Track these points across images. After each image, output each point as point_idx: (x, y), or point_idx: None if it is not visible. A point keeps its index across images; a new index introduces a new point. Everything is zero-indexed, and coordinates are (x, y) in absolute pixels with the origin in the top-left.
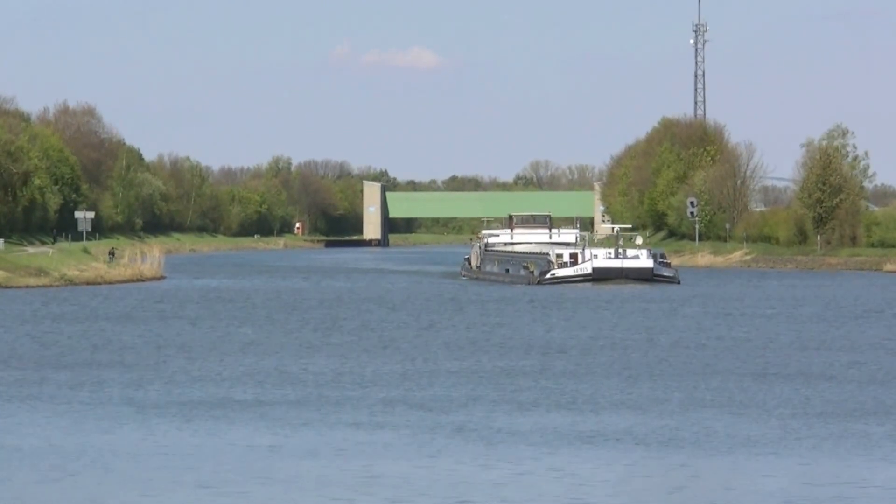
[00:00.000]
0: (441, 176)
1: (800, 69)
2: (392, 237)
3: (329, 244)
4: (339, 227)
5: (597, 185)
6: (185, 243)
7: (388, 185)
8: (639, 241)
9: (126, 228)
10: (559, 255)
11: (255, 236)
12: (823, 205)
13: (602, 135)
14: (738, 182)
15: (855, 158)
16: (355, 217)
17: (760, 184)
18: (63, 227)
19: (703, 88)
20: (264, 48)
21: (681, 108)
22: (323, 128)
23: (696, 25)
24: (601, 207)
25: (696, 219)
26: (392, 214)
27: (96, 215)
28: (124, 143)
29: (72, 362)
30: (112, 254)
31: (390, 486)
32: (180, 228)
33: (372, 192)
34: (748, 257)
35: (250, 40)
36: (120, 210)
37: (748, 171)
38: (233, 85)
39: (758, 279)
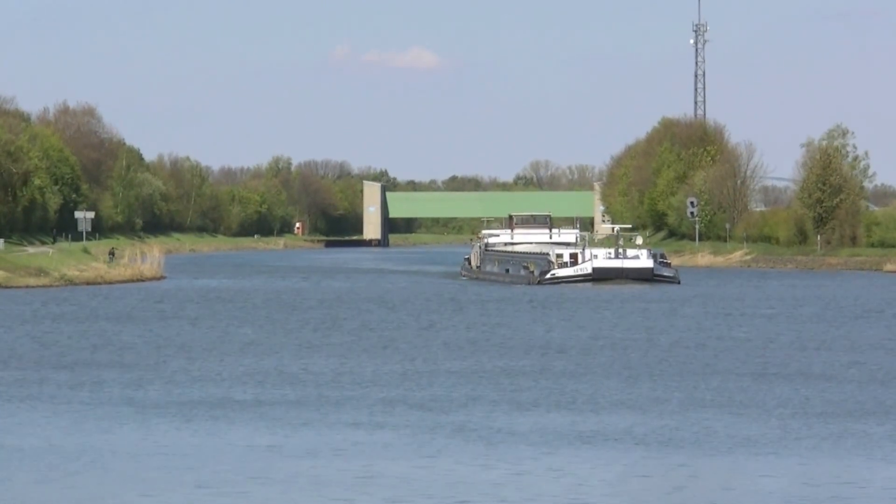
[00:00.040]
0: (441, 176)
1: (800, 69)
2: (392, 237)
3: (329, 244)
4: (339, 227)
5: (597, 185)
6: (185, 243)
7: (388, 185)
8: (639, 241)
9: (126, 228)
10: (559, 256)
11: (255, 236)
12: (823, 205)
13: (602, 135)
14: (738, 182)
15: (855, 158)
16: (355, 217)
17: (760, 184)
18: (63, 227)
19: (703, 88)
20: (264, 48)
21: (681, 108)
22: (323, 128)
23: (696, 25)
24: (601, 207)
25: (696, 219)
26: (392, 214)
27: (96, 215)
28: (124, 143)
29: (72, 362)
30: (112, 254)
31: (390, 486)
32: (180, 228)
33: (372, 192)
34: (748, 257)
35: (250, 40)
36: (120, 210)
37: (748, 171)
38: (233, 85)
39: (758, 279)
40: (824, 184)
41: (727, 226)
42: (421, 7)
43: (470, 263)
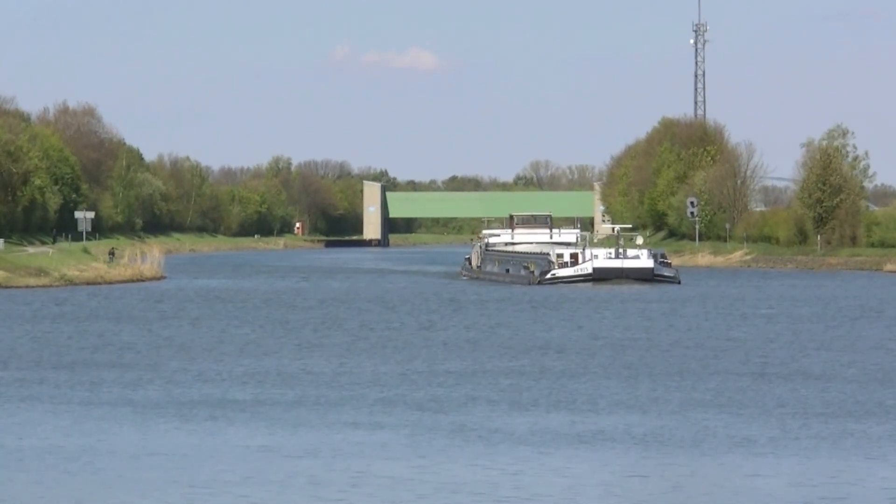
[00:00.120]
0: (441, 176)
1: (800, 69)
2: (392, 237)
3: (329, 244)
4: (339, 227)
5: (597, 185)
6: (185, 243)
7: (388, 185)
8: (639, 241)
9: (126, 228)
10: (559, 255)
11: (255, 236)
12: (823, 205)
13: (602, 135)
14: (738, 182)
15: (855, 158)
16: (355, 217)
17: (760, 184)
18: (63, 227)
19: (703, 88)
20: (264, 48)
21: (681, 108)
22: (323, 128)
23: (696, 25)
24: (601, 207)
25: (696, 219)
26: (392, 214)
27: (96, 215)
28: (124, 143)
29: (71, 362)
30: (112, 254)
31: (389, 486)
32: (180, 228)
33: (372, 192)
34: (748, 257)
35: (250, 40)
36: (120, 210)
37: (748, 171)
38: (233, 85)
39: (758, 279)
40: (824, 184)
41: (727, 226)
42: (420, 8)
43: (470, 263)
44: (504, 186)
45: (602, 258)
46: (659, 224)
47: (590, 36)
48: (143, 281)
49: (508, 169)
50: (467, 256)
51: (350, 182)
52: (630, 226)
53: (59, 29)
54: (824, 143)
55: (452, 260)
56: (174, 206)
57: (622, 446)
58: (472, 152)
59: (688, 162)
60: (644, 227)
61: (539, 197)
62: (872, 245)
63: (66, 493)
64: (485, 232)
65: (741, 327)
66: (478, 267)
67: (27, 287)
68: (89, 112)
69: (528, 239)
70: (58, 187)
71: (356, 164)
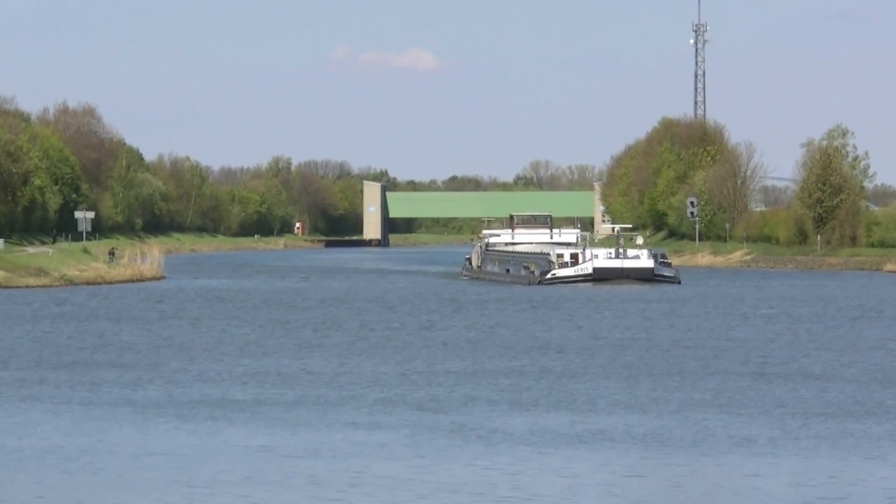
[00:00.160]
0: (441, 176)
1: (800, 69)
2: (392, 237)
3: (329, 244)
4: (339, 227)
5: (597, 185)
6: (185, 243)
7: (388, 185)
8: (639, 241)
9: (126, 228)
10: (560, 255)
11: (255, 236)
12: (823, 205)
13: (602, 135)
14: (738, 182)
15: (855, 158)
16: (355, 217)
17: (760, 184)
18: (63, 227)
19: (703, 88)
20: (264, 48)
21: (681, 108)
22: (323, 128)
23: (696, 25)
24: (601, 207)
25: (696, 219)
26: (392, 214)
27: (96, 215)
28: (124, 143)
29: (71, 362)
30: (112, 254)
31: (388, 486)
32: (180, 228)
33: (372, 192)
34: (748, 257)
35: (250, 41)
36: (120, 210)
37: (748, 171)
38: (233, 85)
39: (758, 279)
40: (824, 184)
41: (727, 226)
42: (420, 8)
43: (471, 263)
44: (504, 186)
45: (602, 258)
46: (659, 224)
47: (590, 36)
48: (143, 281)
49: (508, 169)
50: (467, 256)
51: (350, 182)
52: (630, 226)
53: (59, 29)
54: (824, 143)
55: (452, 260)
56: (174, 206)
57: (622, 446)
58: (472, 152)
59: (688, 162)
60: (644, 227)
61: (539, 197)
62: (872, 245)
63: (66, 493)
64: (485, 232)
65: (741, 327)
66: (478, 267)
67: (27, 287)
68: (89, 112)
69: (528, 239)
70: (58, 187)
71: (356, 164)
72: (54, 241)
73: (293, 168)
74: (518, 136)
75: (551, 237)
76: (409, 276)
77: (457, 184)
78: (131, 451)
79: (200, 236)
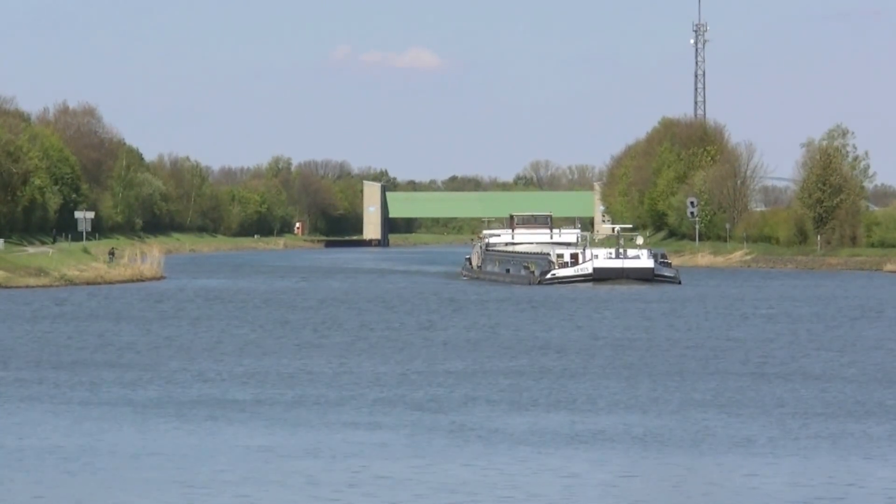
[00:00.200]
0: (441, 176)
1: (800, 69)
2: (392, 237)
3: (329, 244)
4: (339, 227)
5: (597, 185)
6: (185, 243)
7: (388, 185)
8: (640, 241)
9: (126, 228)
10: (560, 256)
11: (255, 236)
12: (823, 205)
13: (602, 135)
14: (738, 182)
15: (855, 158)
16: (355, 217)
17: (760, 184)
18: (63, 227)
19: (703, 88)
20: (264, 48)
21: (681, 108)
22: (323, 128)
23: (696, 25)
24: (601, 207)
25: (696, 219)
26: (392, 214)
27: (96, 215)
28: (124, 143)
29: (71, 362)
30: (112, 254)
31: (388, 486)
32: (180, 228)
33: (372, 192)
34: (748, 257)
35: (250, 40)
36: (120, 210)
37: (748, 171)
38: (233, 85)
39: (758, 279)
40: (824, 184)
41: (727, 226)
42: (421, 7)
43: (471, 263)
44: (504, 186)
45: (602, 258)
46: (659, 224)
47: (590, 36)
48: (142, 281)
49: (508, 169)
50: (468, 256)
51: (350, 182)
52: (630, 226)
53: (59, 29)
54: (824, 143)
55: (452, 260)
56: (174, 206)
57: (622, 446)
58: (472, 152)
59: (688, 162)
60: (644, 227)
61: (539, 197)
62: (872, 245)
63: (65, 493)
64: (485, 232)
65: (741, 327)
66: (478, 267)
67: (27, 287)
68: (89, 112)
69: (528, 239)
70: (58, 187)
71: (356, 164)
72: (54, 241)
73: (293, 168)
74: (518, 136)
75: (551, 237)
76: (409, 276)
77: (457, 184)
78: (131, 451)
79: (200, 236)
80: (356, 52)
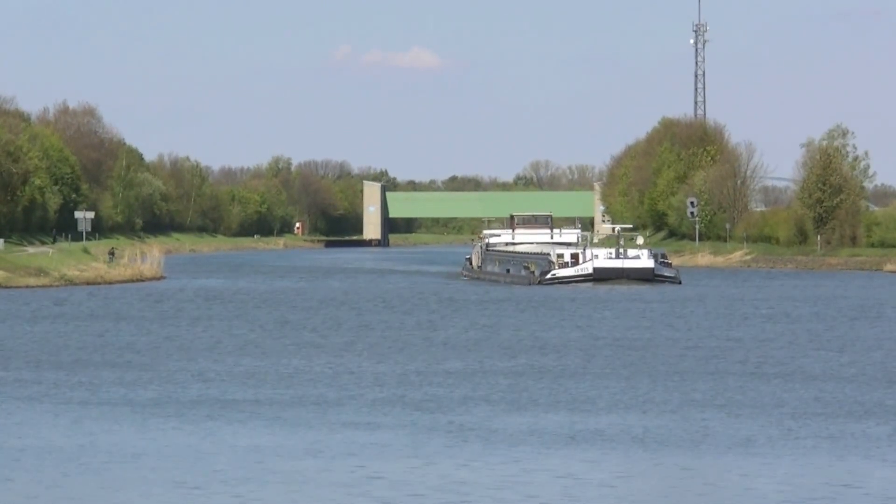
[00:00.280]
0: (441, 176)
1: (800, 69)
2: (392, 237)
3: (329, 244)
4: (339, 227)
5: (597, 185)
6: (185, 243)
7: (388, 185)
8: (640, 241)
9: (126, 228)
10: (560, 256)
11: (255, 236)
12: (823, 205)
13: (602, 135)
14: (738, 182)
15: (855, 158)
16: (355, 217)
17: (760, 184)
18: (63, 227)
19: (703, 88)
20: (264, 48)
21: (681, 108)
22: (323, 128)
23: (696, 25)
24: (601, 207)
25: (697, 219)
26: (392, 214)
27: (96, 215)
28: (124, 143)
29: (71, 362)
30: (112, 254)
31: (387, 486)
32: (180, 228)
33: (372, 192)
34: (748, 257)
35: (250, 40)
36: (120, 210)
37: (748, 171)
38: (233, 85)
39: (758, 279)
40: (824, 184)
41: (727, 226)
42: (421, 7)
43: (471, 263)
44: (504, 186)
45: (602, 258)
46: (659, 224)
47: (590, 36)
48: (142, 281)
49: (508, 169)
50: (468, 256)
51: (350, 182)
52: (630, 226)
53: (59, 29)
54: (824, 143)
55: (452, 260)
56: (174, 206)
57: (621, 446)
58: (472, 152)
59: (688, 162)
60: (644, 227)
61: (539, 197)
62: (872, 245)
63: (65, 493)
64: (485, 232)
65: (741, 327)
66: (478, 267)
67: (27, 287)
68: (89, 112)
69: (528, 239)
70: (58, 187)
71: (356, 164)
72: (54, 241)
73: (293, 168)
74: (518, 136)
75: (552, 237)
76: (409, 276)
77: (457, 184)
78: (131, 451)
79: (200, 236)
80: (357, 51)
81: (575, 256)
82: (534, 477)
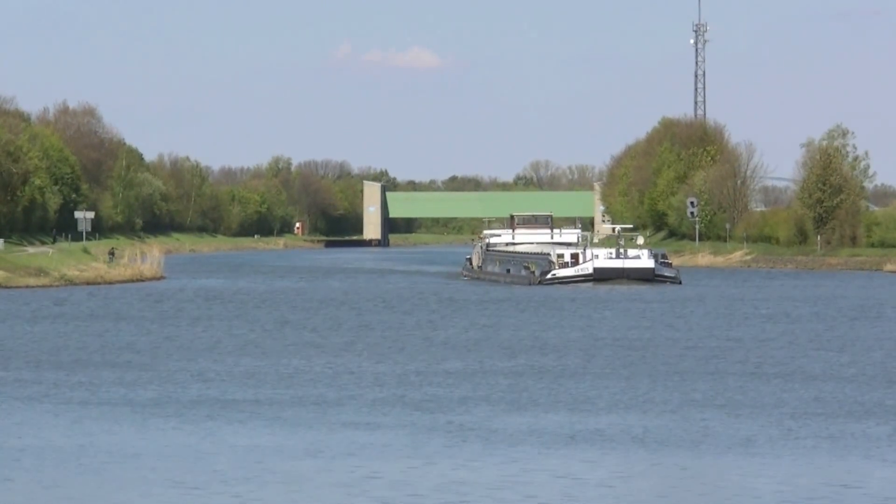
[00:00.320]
0: (441, 176)
1: (800, 69)
2: (392, 237)
3: (329, 244)
4: (339, 227)
5: (597, 185)
6: (185, 243)
7: (388, 185)
8: (640, 241)
9: (126, 228)
10: (560, 256)
11: (255, 236)
12: (823, 205)
13: (602, 135)
14: (738, 182)
15: (855, 158)
16: (355, 217)
17: (760, 184)
18: (63, 227)
19: (703, 88)
20: (264, 48)
21: (681, 108)
22: (323, 128)
23: (696, 25)
24: (601, 207)
25: (697, 219)
26: (392, 214)
27: (96, 215)
28: (124, 143)
29: (70, 362)
30: (112, 254)
31: (387, 486)
32: (180, 228)
33: (372, 192)
34: (748, 257)
35: (250, 40)
36: (120, 210)
37: (748, 171)
38: (233, 85)
39: (758, 279)
40: (824, 184)
41: (727, 226)
42: (421, 7)
43: (471, 263)
44: (504, 186)
45: (603, 258)
46: (659, 224)
47: (590, 36)
48: (142, 281)
49: (508, 169)
50: (468, 256)
51: (350, 182)
52: (630, 226)
53: (59, 29)
54: (824, 143)
55: (453, 260)
56: (174, 206)
57: (621, 446)
58: (472, 152)
59: (688, 162)
60: (644, 227)
61: (539, 197)
62: (872, 245)
63: (65, 493)
64: (486, 232)
65: (741, 327)
66: (479, 267)
67: (27, 287)
68: (89, 112)
69: (528, 239)
70: (58, 187)
71: (356, 164)
72: (54, 241)
73: (293, 168)
74: (518, 136)
75: (552, 237)
76: (409, 276)
77: (457, 184)
78: (130, 451)
79: (200, 236)
80: (357, 51)
81: (575, 256)
82: (533, 477)
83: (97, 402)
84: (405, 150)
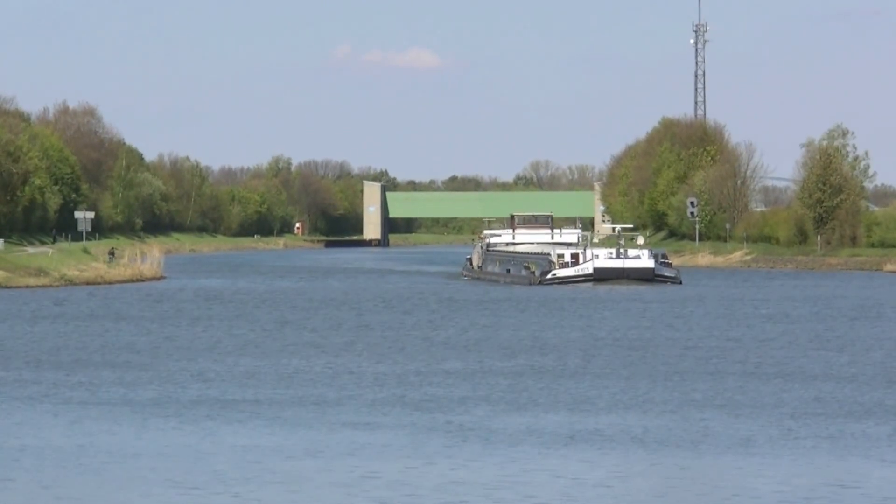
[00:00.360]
0: (441, 176)
1: (800, 69)
2: (392, 237)
3: (329, 244)
4: (339, 227)
5: (597, 185)
6: (185, 243)
7: (388, 185)
8: (640, 241)
9: (126, 228)
10: (560, 256)
11: (255, 236)
12: (823, 205)
13: (602, 135)
14: (738, 182)
15: (855, 158)
16: (355, 217)
17: (760, 184)
18: (63, 227)
19: (703, 88)
20: (264, 48)
21: (681, 108)
22: (323, 128)
23: (696, 25)
24: (601, 207)
25: (697, 219)
26: (392, 214)
27: (96, 215)
28: (124, 143)
29: (70, 362)
30: (112, 254)
31: (387, 486)
32: (180, 228)
33: (372, 192)
34: (748, 257)
35: (250, 40)
36: (120, 210)
37: (748, 171)
38: (233, 85)
39: (758, 279)
40: (824, 184)
41: (727, 226)
42: (421, 7)
43: (471, 263)
44: (504, 186)
45: (603, 258)
46: (659, 224)
47: (590, 36)
48: (142, 281)
49: (508, 169)
50: (468, 256)
51: (350, 182)
52: (630, 226)
53: (59, 29)
54: (824, 143)
55: (453, 260)
56: (174, 206)
57: (621, 446)
58: (472, 152)
59: (688, 162)
60: (644, 227)
61: (539, 197)
62: (872, 245)
63: (65, 493)
64: (486, 232)
65: (741, 327)
66: (479, 267)
67: (27, 287)
68: (89, 112)
69: (529, 239)
70: (58, 187)
71: (356, 164)
72: (54, 241)
73: (293, 168)
74: (518, 136)
75: (552, 237)
76: (409, 276)
77: (457, 184)
78: (130, 451)
79: (200, 236)
80: (356, 51)
81: (575, 256)
82: (533, 477)
83: (97, 402)
84: (405, 150)
